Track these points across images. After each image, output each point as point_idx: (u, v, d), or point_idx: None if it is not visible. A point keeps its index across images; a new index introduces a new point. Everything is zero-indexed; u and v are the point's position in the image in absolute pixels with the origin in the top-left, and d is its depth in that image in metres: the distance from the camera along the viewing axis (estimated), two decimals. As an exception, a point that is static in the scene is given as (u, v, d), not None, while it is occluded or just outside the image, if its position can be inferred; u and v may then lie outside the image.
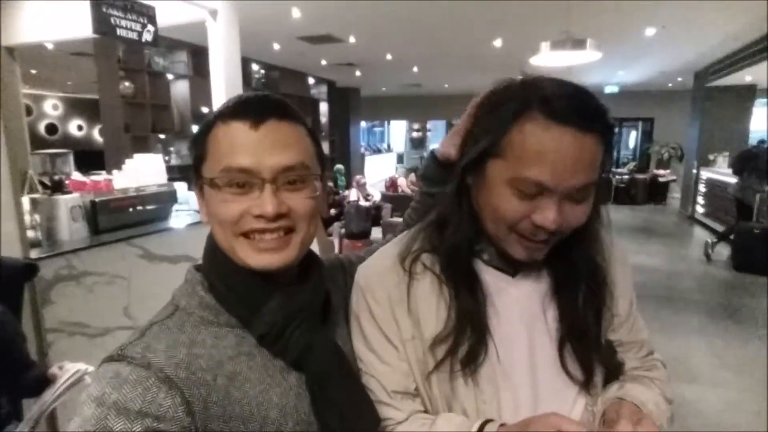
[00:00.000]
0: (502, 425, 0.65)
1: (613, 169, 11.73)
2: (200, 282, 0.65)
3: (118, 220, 2.56)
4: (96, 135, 9.86)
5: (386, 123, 17.25)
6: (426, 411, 0.73)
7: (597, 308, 0.73)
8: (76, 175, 2.87)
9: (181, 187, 3.46)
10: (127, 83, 5.47)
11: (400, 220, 1.03)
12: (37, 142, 7.96)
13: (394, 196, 6.46)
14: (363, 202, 5.62)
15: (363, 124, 13.77)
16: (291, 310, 0.64)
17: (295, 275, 0.69)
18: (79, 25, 2.78)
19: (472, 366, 0.69)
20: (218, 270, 0.65)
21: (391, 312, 0.72)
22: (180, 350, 0.58)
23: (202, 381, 0.57)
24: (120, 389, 0.52)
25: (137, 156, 3.07)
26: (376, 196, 6.19)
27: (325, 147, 9.95)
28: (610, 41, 5.73)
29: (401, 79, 9.95)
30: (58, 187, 2.50)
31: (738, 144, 7.79)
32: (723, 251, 5.83)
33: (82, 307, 2.26)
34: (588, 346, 0.72)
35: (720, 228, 6.70)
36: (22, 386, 1.51)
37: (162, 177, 2.98)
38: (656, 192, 10.82)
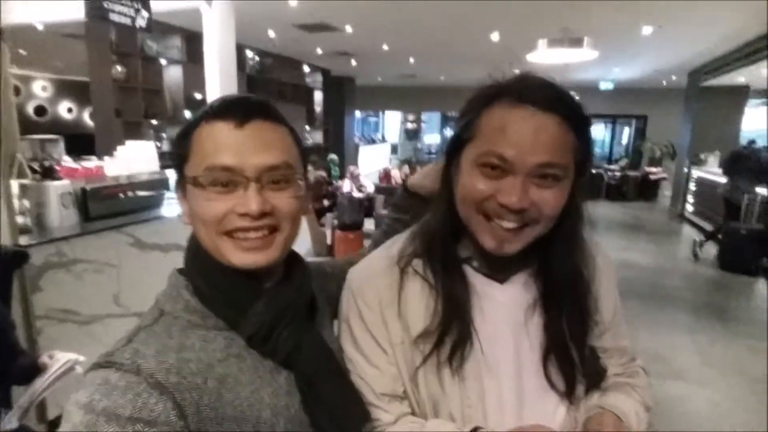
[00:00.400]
0: None
1: (606, 166, 11.82)
2: (185, 285, 0.65)
3: (109, 208, 2.54)
4: (86, 118, 9.70)
5: (381, 113, 17.17)
6: (413, 413, 0.75)
7: (581, 320, 0.74)
8: (67, 161, 2.83)
9: (173, 175, 3.43)
10: (119, 67, 5.38)
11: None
12: (26, 124, 7.80)
13: (387, 188, 6.45)
14: (356, 194, 5.61)
15: (357, 113, 13.71)
16: (279, 310, 0.64)
17: (280, 275, 0.69)
18: (72, 8, 2.72)
19: (458, 358, 0.70)
20: (202, 272, 0.65)
21: (382, 316, 0.74)
22: (169, 355, 0.58)
23: (193, 385, 0.57)
24: (109, 396, 0.52)
25: (129, 143, 3.04)
26: (370, 188, 6.18)
27: (319, 136, 9.90)
28: (607, 39, 5.73)
29: (397, 69, 9.89)
30: (48, 173, 2.47)
31: (729, 144, 7.89)
32: (711, 250, 5.90)
33: (72, 294, 2.25)
34: (570, 357, 0.73)
35: (709, 227, 6.79)
36: (11, 374, 1.51)
37: (154, 164, 2.96)
38: (647, 189, 10.91)
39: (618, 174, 10.97)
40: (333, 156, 8.86)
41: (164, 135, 6.10)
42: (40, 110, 9.48)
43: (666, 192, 10.60)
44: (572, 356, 0.73)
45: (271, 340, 0.64)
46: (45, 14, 3.14)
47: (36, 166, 2.93)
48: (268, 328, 0.63)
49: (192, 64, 5.91)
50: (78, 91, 9.50)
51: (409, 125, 16.72)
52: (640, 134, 13.19)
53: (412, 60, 8.56)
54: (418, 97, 13.83)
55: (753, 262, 5.28)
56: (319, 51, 7.69)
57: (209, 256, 0.64)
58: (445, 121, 16.78)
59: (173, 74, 6.08)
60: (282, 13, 5.13)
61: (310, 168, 4.31)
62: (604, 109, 11.53)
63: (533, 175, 0.64)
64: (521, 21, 5.28)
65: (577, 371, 0.74)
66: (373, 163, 11.03)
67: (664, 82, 10.62)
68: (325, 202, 5.64)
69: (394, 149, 15.16)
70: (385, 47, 7.18)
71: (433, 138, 17.00)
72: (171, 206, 2.91)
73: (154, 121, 5.90)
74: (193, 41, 5.83)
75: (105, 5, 2.38)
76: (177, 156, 0.66)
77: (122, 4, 2.48)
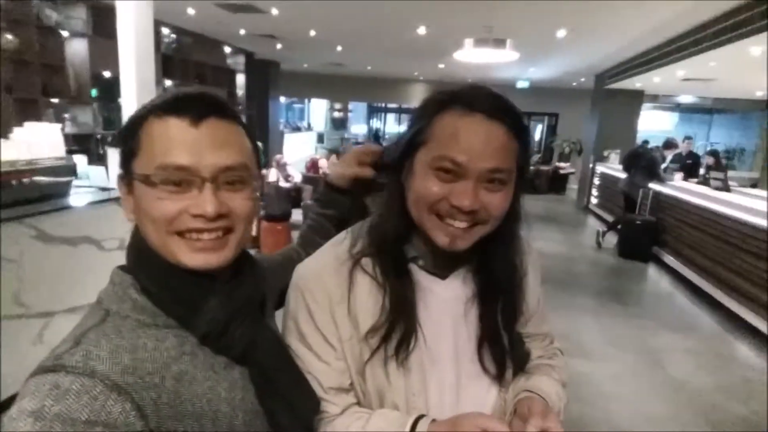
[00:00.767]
0: (433, 421, 0.71)
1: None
2: (131, 284, 0.63)
3: (7, 197, 2.26)
4: (-33, 92, 8.52)
5: (307, 100, 16.84)
6: (359, 404, 0.78)
7: (513, 311, 0.81)
8: (-51, 142, 2.47)
9: (80, 161, 3.13)
10: (9, 36, 4.76)
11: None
12: None
13: (315, 178, 6.36)
14: (283, 183, 5.48)
15: (282, 99, 13.33)
16: (234, 308, 0.64)
17: (230, 272, 0.68)
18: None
19: (404, 352, 0.74)
20: (150, 270, 0.63)
21: (331, 313, 0.75)
22: (124, 356, 0.56)
23: (150, 384, 0.56)
24: (62, 400, 0.49)
25: (29, 124, 2.72)
26: (297, 177, 6.07)
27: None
28: (525, 39, 6.06)
29: (324, 57, 9.74)
30: (-74, 156, 2.14)
31: (628, 142, 8.70)
32: (612, 239, 6.51)
33: (-39, 294, 1.98)
34: (502, 345, 0.80)
35: (610, 218, 7.47)
36: None
37: (60, 149, 2.67)
38: (557, 183, 11.77)
39: (531, 168, 11.68)
40: (258, 143, 8.56)
41: (67, 116, 5.52)
42: None
43: (573, 185, 11.50)
44: (503, 344, 0.80)
45: (226, 337, 0.64)
46: None
47: None
48: (223, 325, 0.63)
49: (100, 39, 5.39)
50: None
51: (336, 114, 16.57)
52: (551, 131, 14.16)
53: (339, 48, 8.47)
54: (345, 86, 13.74)
55: (646, 250, 5.91)
56: (242, 32, 7.36)
57: (157, 254, 0.62)
58: (372, 111, 16.84)
59: (77, 48, 5.50)
60: (203, -10, 4.84)
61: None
62: (520, 106, 11.73)
63: (483, 179, 0.68)
64: (446, 16, 5.42)
65: (507, 357, 0.80)
66: (298, 151, 10.81)
67: (574, 83, 11.47)
68: (250, 192, 5.44)
69: (320, 138, 14.95)
70: (313, 33, 7.03)
71: (360, 128, 16.99)
72: (79, 195, 2.66)
73: (54, 100, 5.31)
74: (100, 13, 5.32)
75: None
76: (124, 151, 0.63)
77: (20, -33, 2.20)
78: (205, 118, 0.61)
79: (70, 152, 3.08)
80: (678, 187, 5.89)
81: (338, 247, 0.80)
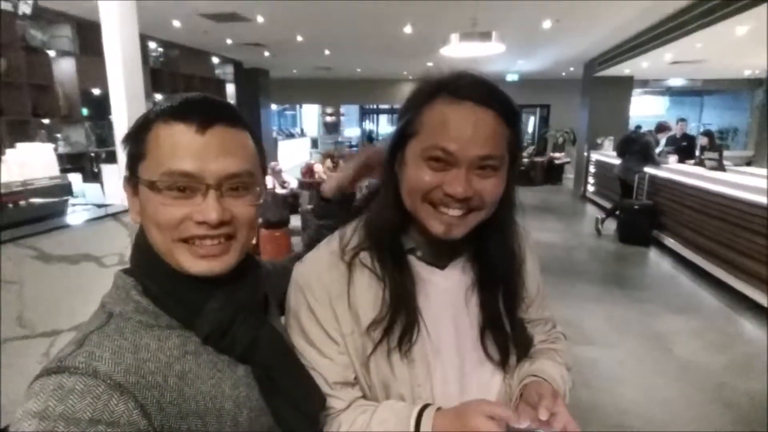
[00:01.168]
0: (438, 409, 0.71)
1: (515, 152, 12.56)
2: (133, 286, 0.64)
3: (4, 219, 2.25)
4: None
5: (298, 107, 16.84)
6: (364, 397, 0.78)
7: (513, 297, 0.82)
8: (-57, 168, 2.46)
9: (75, 179, 3.12)
10: (-3, 59, 4.76)
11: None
12: None
13: (311, 183, 6.36)
14: (279, 190, 5.47)
15: (273, 107, 13.33)
16: (235, 308, 0.65)
17: (231, 274, 0.68)
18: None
19: (407, 344, 0.75)
20: (153, 273, 0.64)
21: (331, 309, 0.76)
22: (126, 356, 0.57)
23: (153, 383, 0.57)
24: (66, 400, 0.50)
25: (21, 146, 2.71)
26: (293, 183, 6.06)
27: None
28: (512, 32, 6.08)
29: (313, 61, 9.75)
30: None
31: (620, 129, 8.73)
32: (611, 226, 6.52)
33: (-37, 319, 1.97)
34: (504, 331, 0.81)
35: (608, 205, 7.48)
36: None
37: (53, 169, 2.67)
38: (553, 173, 11.78)
39: (526, 160, 11.71)
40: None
41: (59, 135, 5.51)
42: None
43: (569, 175, 11.51)
44: (506, 330, 0.81)
45: (228, 337, 0.64)
46: None
47: None
48: (225, 325, 0.64)
49: (87, 57, 5.39)
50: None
51: (328, 118, 16.59)
52: (544, 122, 14.19)
53: (327, 52, 8.48)
54: (335, 89, 13.76)
55: (645, 234, 5.92)
56: (229, 42, 7.36)
57: (160, 258, 0.63)
58: (364, 114, 16.85)
59: (65, 67, 5.49)
60: (187, 2, 4.84)
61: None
62: (512, 99, 12.21)
63: (474, 166, 0.69)
64: (432, 13, 5.43)
65: (510, 342, 0.81)
66: (293, 157, 10.81)
67: (564, 73, 11.51)
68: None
69: (314, 143, 14.99)
70: (300, 38, 7.04)
71: (353, 131, 16.99)
72: (77, 213, 2.65)
73: (45, 120, 5.30)
74: (86, 31, 5.32)
75: (-19, -11, 2.09)
76: (130, 154, 0.64)
77: (3, -11, 2.20)
78: (211, 125, 0.61)
79: (64, 171, 3.07)
80: (673, 169, 5.90)
81: (330, 245, 0.81)
